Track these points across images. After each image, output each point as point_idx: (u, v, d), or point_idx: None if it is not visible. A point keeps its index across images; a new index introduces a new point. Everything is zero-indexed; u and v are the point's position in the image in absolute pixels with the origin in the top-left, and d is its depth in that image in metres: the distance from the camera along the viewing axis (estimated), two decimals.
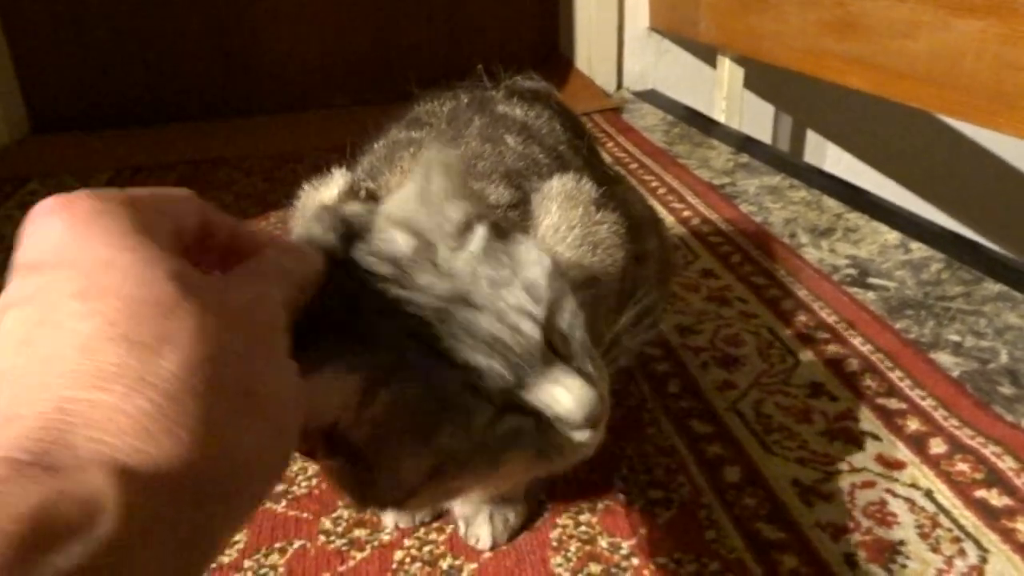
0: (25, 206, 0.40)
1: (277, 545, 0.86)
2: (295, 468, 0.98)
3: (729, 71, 2.39)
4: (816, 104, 2.82)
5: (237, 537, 0.88)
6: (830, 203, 1.71)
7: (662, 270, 1.06)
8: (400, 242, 0.53)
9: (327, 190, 0.70)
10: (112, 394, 0.33)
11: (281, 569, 0.83)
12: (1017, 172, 2.49)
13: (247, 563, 0.84)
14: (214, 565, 0.84)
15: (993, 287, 1.32)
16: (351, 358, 0.49)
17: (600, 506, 0.89)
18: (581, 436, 0.57)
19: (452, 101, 0.94)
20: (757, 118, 2.78)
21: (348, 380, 0.49)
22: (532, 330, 0.53)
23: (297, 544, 0.86)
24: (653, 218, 1.05)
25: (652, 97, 2.63)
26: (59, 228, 0.38)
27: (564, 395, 0.55)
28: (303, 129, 2.46)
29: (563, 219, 0.76)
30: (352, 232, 0.54)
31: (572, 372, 0.55)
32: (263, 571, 0.83)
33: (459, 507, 0.86)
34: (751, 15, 2.12)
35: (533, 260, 0.56)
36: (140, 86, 2.58)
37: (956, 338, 1.18)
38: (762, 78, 2.54)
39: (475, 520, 0.84)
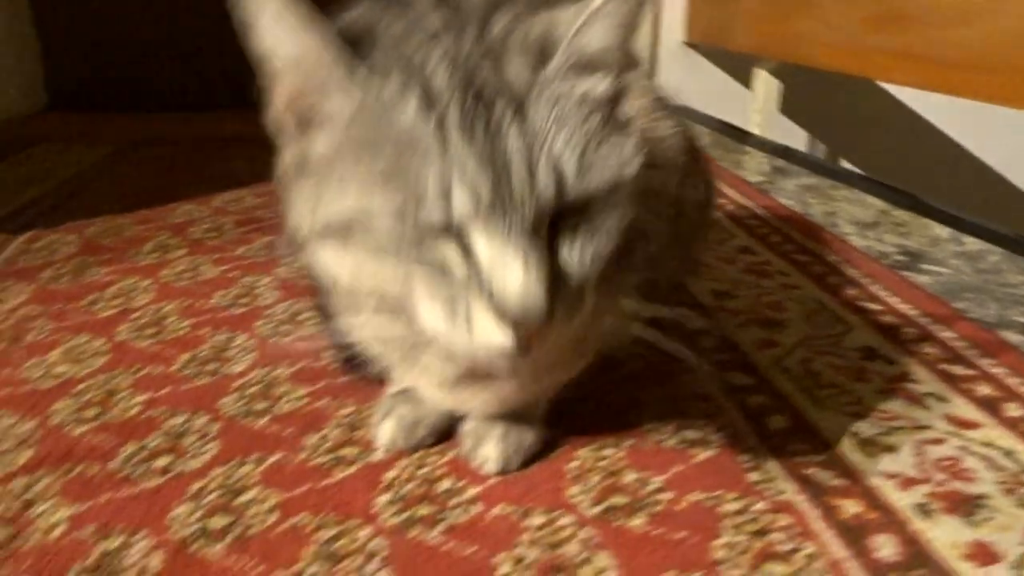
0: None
1: (253, 455, 0.75)
2: (281, 389, 0.87)
3: (765, 84, 2.32)
4: (851, 135, 2.74)
5: (207, 446, 0.76)
6: (874, 201, 1.61)
7: (702, 219, 0.97)
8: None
9: None
10: None
11: (255, 478, 0.72)
12: None
13: (215, 471, 0.73)
14: (177, 471, 0.73)
15: None
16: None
17: (626, 443, 0.77)
18: (491, 331, 0.50)
19: None
20: (790, 142, 2.70)
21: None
22: (548, 181, 0.50)
23: (275, 457, 0.75)
24: (707, 162, 0.96)
25: (686, 112, 2.56)
26: None
27: (515, 272, 0.49)
28: None
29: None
30: None
31: (540, 266, 0.50)
32: (232, 482, 0.71)
33: (467, 423, 0.75)
34: (791, 18, 2.05)
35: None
36: (162, 72, 2.53)
37: (1021, 319, 1.07)
38: (797, 103, 2.47)
39: (485, 438, 0.73)
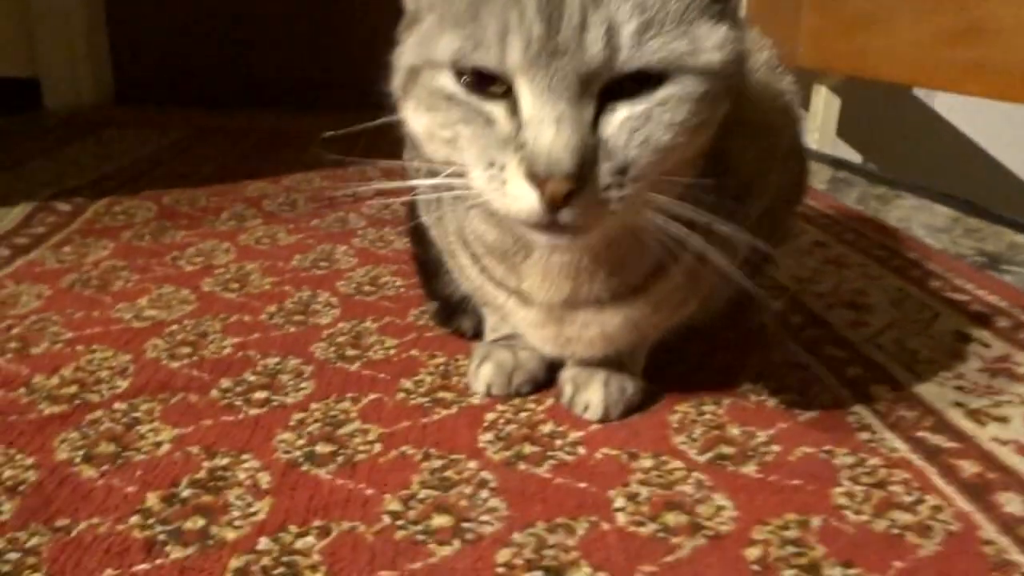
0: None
1: (349, 394, 0.74)
2: (371, 339, 0.87)
3: (824, 102, 2.31)
4: (907, 158, 2.71)
5: (303, 384, 0.76)
6: (942, 209, 1.59)
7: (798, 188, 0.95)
8: None
9: None
10: None
11: (354, 414, 0.71)
12: None
13: (314, 405, 0.72)
14: (276, 403, 0.72)
15: None
16: None
17: (726, 401, 0.76)
18: (520, 187, 0.50)
19: None
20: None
21: None
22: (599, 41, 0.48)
23: (372, 396, 0.74)
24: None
25: None
26: None
27: (548, 128, 0.48)
28: None
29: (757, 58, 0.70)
30: None
31: (574, 126, 0.49)
32: (332, 415, 0.71)
33: (567, 370, 0.74)
34: (856, 33, 2.04)
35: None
36: (224, 69, 2.57)
37: None
38: (854, 128, 2.46)
39: (588, 384, 0.72)
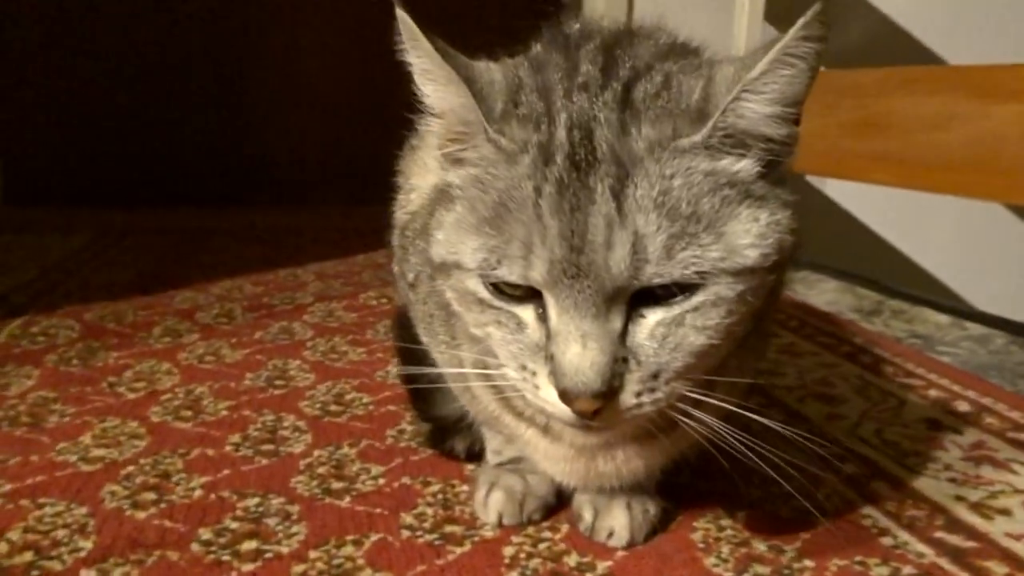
0: None
1: (349, 537, 0.68)
2: (355, 467, 0.80)
3: None
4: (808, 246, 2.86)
5: (294, 528, 0.69)
6: (864, 292, 1.67)
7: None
8: None
9: None
10: None
11: (360, 560, 0.64)
12: None
13: (312, 553, 0.65)
14: (270, 555, 0.65)
15: None
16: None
17: (740, 513, 0.74)
18: (553, 398, 0.50)
19: None
20: None
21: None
22: (625, 259, 0.47)
23: (375, 537, 0.68)
24: None
25: None
26: None
27: (574, 348, 0.48)
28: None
29: None
30: None
31: (601, 345, 0.48)
32: (336, 564, 0.64)
33: (582, 494, 0.70)
34: None
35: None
36: (119, 168, 2.44)
37: None
38: None
39: (609, 509, 0.68)
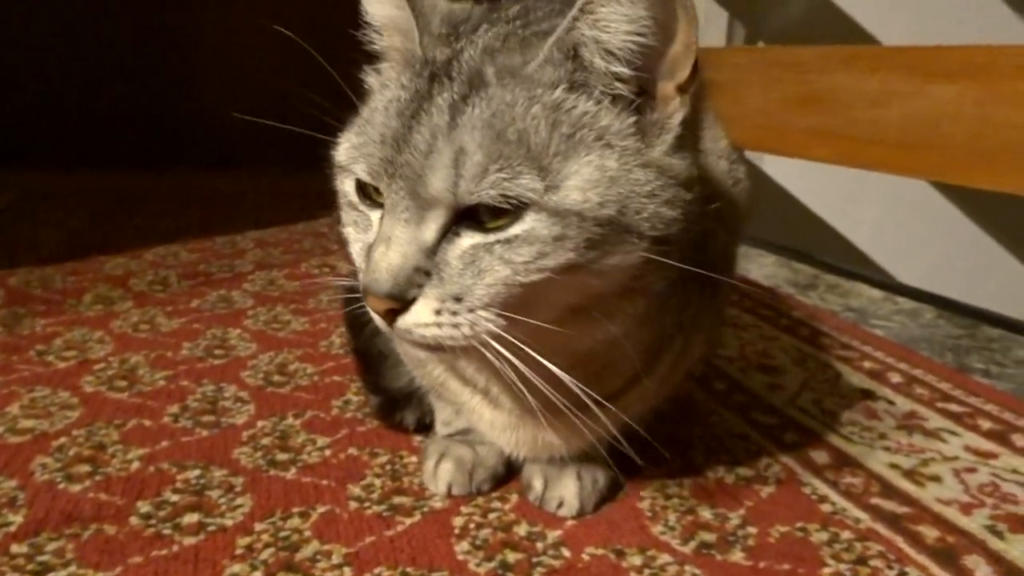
0: None
1: (296, 509, 0.66)
2: (301, 438, 0.79)
3: None
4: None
5: (238, 500, 0.67)
6: (800, 266, 1.71)
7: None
8: None
9: None
10: None
11: (308, 532, 0.63)
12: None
13: (258, 525, 0.64)
14: (213, 527, 0.63)
15: (992, 331, 1.31)
16: None
17: (687, 481, 0.75)
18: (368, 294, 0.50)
19: None
20: None
21: None
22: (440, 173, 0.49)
23: (322, 509, 0.67)
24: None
25: None
26: None
27: (381, 248, 0.50)
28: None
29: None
30: None
31: (400, 250, 0.49)
32: (283, 536, 0.63)
33: (531, 464, 0.70)
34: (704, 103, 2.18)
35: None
36: (48, 128, 2.32)
37: (981, 365, 1.15)
38: None
39: (559, 479, 0.68)
